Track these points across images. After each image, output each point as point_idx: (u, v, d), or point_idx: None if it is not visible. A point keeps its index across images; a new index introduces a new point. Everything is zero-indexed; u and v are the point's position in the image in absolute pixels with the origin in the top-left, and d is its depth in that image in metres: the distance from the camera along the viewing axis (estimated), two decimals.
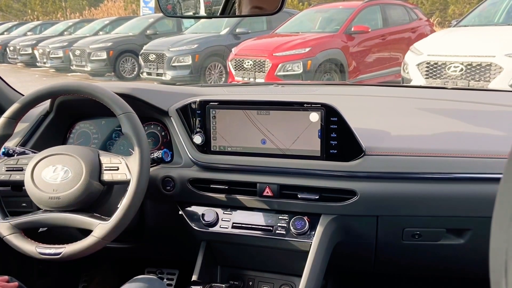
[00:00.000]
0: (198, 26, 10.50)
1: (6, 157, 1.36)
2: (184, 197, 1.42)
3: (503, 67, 4.91)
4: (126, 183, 1.24)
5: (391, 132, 1.39)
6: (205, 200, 1.39)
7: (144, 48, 9.83)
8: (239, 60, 7.51)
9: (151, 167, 1.40)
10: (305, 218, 1.30)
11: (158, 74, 9.31)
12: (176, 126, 1.45)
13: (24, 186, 1.27)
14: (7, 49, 14.93)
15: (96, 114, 1.62)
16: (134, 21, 12.75)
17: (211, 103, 1.37)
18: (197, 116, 1.39)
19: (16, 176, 1.29)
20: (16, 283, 1.27)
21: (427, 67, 5.48)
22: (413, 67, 5.65)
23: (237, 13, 1.40)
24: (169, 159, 1.43)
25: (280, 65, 7.07)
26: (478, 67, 5.07)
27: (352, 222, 1.32)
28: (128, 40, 11.36)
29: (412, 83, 5.53)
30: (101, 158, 1.28)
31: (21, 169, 1.29)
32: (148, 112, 1.51)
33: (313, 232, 1.29)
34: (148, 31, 11.51)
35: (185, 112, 1.42)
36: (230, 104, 1.36)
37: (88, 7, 26.80)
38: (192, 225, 1.39)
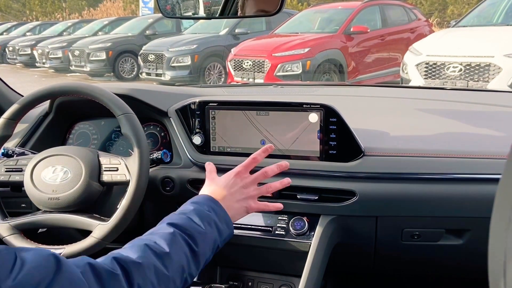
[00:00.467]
0: (198, 27, 10.50)
1: (5, 158, 1.36)
2: (184, 197, 1.41)
3: (502, 68, 4.92)
4: (125, 184, 1.24)
5: (390, 132, 1.39)
6: None
7: (143, 48, 9.84)
8: (238, 60, 7.51)
9: (151, 167, 1.40)
10: (305, 218, 1.30)
11: (157, 75, 9.32)
12: (175, 127, 1.45)
13: (23, 186, 1.27)
14: (6, 49, 14.94)
15: (96, 114, 1.62)
16: (133, 22, 12.75)
17: (210, 104, 1.37)
18: (197, 116, 1.39)
19: (15, 177, 1.29)
20: None
21: (426, 67, 5.49)
22: (412, 67, 5.66)
23: (236, 14, 1.40)
24: (168, 160, 1.43)
25: (279, 66, 7.08)
26: (477, 67, 5.08)
27: (351, 223, 1.32)
28: (127, 40, 11.36)
29: (411, 84, 5.54)
30: (100, 158, 1.28)
31: (21, 170, 1.29)
32: (148, 113, 1.51)
33: (313, 233, 1.29)
34: (147, 32, 11.52)
35: (185, 113, 1.42)
36: (229, 104, 1.36)
37: (87, 7, 26.79)
38: None
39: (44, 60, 12.85)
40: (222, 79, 9.14)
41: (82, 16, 24.75)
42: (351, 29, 7.67)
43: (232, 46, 8.32)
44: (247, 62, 7.35)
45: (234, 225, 1.34)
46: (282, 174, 1.32)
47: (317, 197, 1.29)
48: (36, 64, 13.40)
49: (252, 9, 1.40)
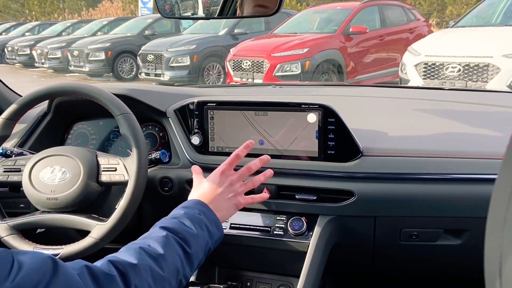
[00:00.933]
0: (197, 27, 10.50)
1: (4, 158, 1.36)
2: (182, 198, 1.41)
3: (500, 68, 4.92)
4: (124, 184, 1.24)
5: (388, 132, 1.39)
6: None
7: (142, 48, 9.84)
8: (237, 60, 7.51)
9: (149, 168, 1.40)
10: (303, 218, 1.30)
11: (156, 75, 9.31)
12: (174, 127, 1.45)
13: (22, 187, 1.27)
14: (5, 49, 14.92)
15: (94, 115, 1.62)
16: (132, 22, 12.75)
17: (209, 104, 1.37)
18: (195, 117, 1.39)
19: (14, 177, 1.29)
20: None
21: (425, 67, 5.49)
22: (411, 67, 5.66)
23: (235, 14, 1.40)
24: (167, 160, 1.43)
25: (278, 66, 7.08)
26: (476, 67, 5.08)
27: (349, 223, 1.32)
28: (127, 40, 11.36)
29: (410, 84, 5.54)
30: (99, 159, 1.28)
31: (19, 170, 1.29)
32: (146, 113, 1.51)
33: (311, 233, 1.29)
34: (146, 32, 11.52)
35: (183, 113, 1.42)
36: (228, 104, 1.36)
37: (86, 7, 26.78)
38: None
39: (43, 60, 12.85)
40: (221, 79, 9.15)
41: (81, 16, 24.74)
42: (350, 30, 7.67)
43: (231, 46, 8.32)
44: (246, 62, 7.36)
45: (232, 225, 1.35)
46: (281, 173, 1.32)
47: (315, 197, 1.29)
48: (35, 64, 13.39)
49: (250, 9, 1.40)
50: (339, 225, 1.31)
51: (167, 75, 9.06)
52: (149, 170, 1.36)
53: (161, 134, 1.56)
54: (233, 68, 7.57)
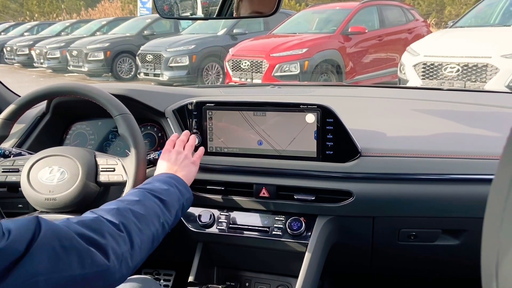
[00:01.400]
0: (196, 27, 10.49)
1: (2, 158, 1.35)
2: None
3: (499, 68, 4.92)
4: (122, 184, 1.24)
5: (387, 133, 1.39)
6: (201, 201, 1.39)
7: (141, 48, 9.82)
8: (236, 60, 7.51)
9: (148, 168, 1.40)
10: (302, 219, 1.30)
11: (155, 75, 9.30)
12: (172, 127, 1.45)
13: (20, 187, 1.26)
14: (4, 49, 14.89)
15: (93, 115, 1.62)
16: (131, 22, 12.73)
17: (207, 104, 1.37)
18: (194, 117, 1.39)
19: (12, 177, 1.29)
20: None
21: (423, 68, 5.50)
22: (410, 68, 5.66)
23: (234, 15, 1.40)
24: None
25: (277, 66, 7.07)
26: (475, 68, 5.09)
27: (348, 223, 1.32)
28: (126, 40, 11.34)
29: (408, 84, 5.54)
30: (97, 159, 1.28)
31: (17, 170, 1.29)
32: (145, 113, 1.51)
33: (310, 233, 1.29)
34: (145, 32, 11.50)
35: (182, 113, 1.42)
36: (226, 105, 1.36)
37: (85, 7, 26.76)
38: (189, 226, 1.39)
39: (42, 60, 12.83)
40: (220, 80, 9.14)
41: (80, 16, 24.72)
42: (349, 30, 7.67)
43: (230, 47, 8.31)
44: (245, 63, 7.35)
45: (231, 225, 1.35)
46: (279, 174, 1.32)
47: (314, 198, 1.29)
48: (34, 64, 13.37)
49: (249, 9, 1.40)
50: (337, 225, 1.31)
51: (166, 75, 9.05)
52: (147, 170, 1.36)
53: (159, 134, 1.56)
54: (232, 68, 7.56)
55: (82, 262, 0.75)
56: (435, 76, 5.38)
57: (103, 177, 1.26)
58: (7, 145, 1.51)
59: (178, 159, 1.24)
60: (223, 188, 1.38)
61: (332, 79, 7.42)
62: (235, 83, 7.22)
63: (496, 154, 1.25)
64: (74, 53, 11.36)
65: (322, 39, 7.60)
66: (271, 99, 1.53)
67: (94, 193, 1.27)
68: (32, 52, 13.47)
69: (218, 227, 1.37)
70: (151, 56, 9.35)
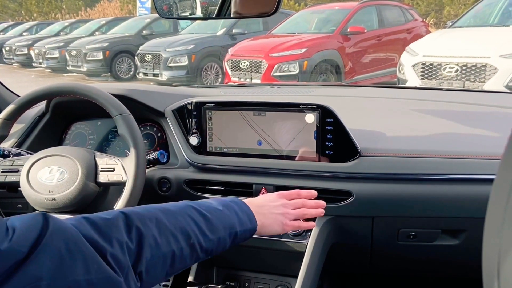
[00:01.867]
0: (195, 27, 10.49)
1: (1, 158, 1.35)
2: (180, 198, 1.41)
3: (498, 68, 4.93)
4: (122, 184, 1.24)
5: (386, 133, 1.39)
6: None
7: (140, 48, 9.82)
8: (235, 60, 7.51)
9: (147, 168, 1.40)
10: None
11: (154, 75, 9.30)
12: (172, 127, 1.45)
13: (19, 187, 1.26)
14: (3, 49, 14.88)
15: (92, 115, 1.62)
16: (130, 22, 12.73)
17: (207, 104, 1.37)
18: (193, 117, 1.39)
19: (11, 177, 1.29)
20: None
21: (422, 67, 5.50)
22: (409, 67, 5.67)
23: (233, 14, 1.40)
24: (165, 160, 1.43)
25: (276, 66, 7.08)
26: (473, 68, 5.09)
27: (347, 223, 1.32)
28: (125, 40, 11.34)
29: (407, 84, 5.55)
30: (97, 159, 1.28)
31: (17, 170, 1.29)
32: (144, 113, 1.51)
33: (309, 233, 1.29)
34: (144, 32, 11.50)
35: (181, 113, 1.42)
36: (226, 105, 1.36)
37: (84, 7, 26.74)
38: None
39: (41, 60, 12.82)
40: (219, 80, 9.14)
41: (79, 16, 24.70)
42: (348, 30, 7.68)
43: (229, 46, 8.32)
44: (244, 63, 7.35)
45: None
46: (279, 174, 1.32)
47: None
48: (33, 64, 13.36)
49: (248, 9, 1.40)
50: (337, 225, 1.31)
51: (165, 75, 9.05)
52: (147, 170, 1.36)
53: (159, 134, 1.56)
54: (231, 68, 7.56)
55: (88, 267, 0.70)
56: (434, 76, 5.39)
57: (103, 177, 1.26)
58: (7, 145, 1.50)
59: (275, 207, 1.08)
60: (222, 188, 1.38)
61: (331, 79, 7.43)
62: (234, 83, 7.23)
63: (495, 154, 1.25)
64: (73, 53, 11.36)
65: (321, 39, 7.60)
66: (271, 99, 1.53)
67: (94, 193, 1.26)
68: (31, 52, 13.46)
69: None
70: (150, 56, 9.35)
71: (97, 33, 13.21)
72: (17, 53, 14.14)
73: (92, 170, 1.26)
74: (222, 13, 1.39)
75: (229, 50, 7.98)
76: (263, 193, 1.33)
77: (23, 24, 18.64)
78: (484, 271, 0.36)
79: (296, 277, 1.25)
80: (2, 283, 0.61)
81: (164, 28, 12.04)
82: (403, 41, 8.10)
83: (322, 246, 1.29)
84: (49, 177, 1.24)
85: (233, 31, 9.67)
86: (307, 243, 1.27)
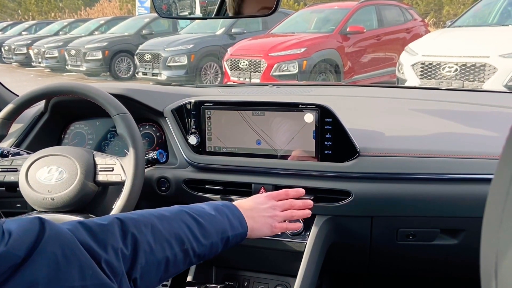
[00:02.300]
0: (194, 26, 10.49)
1: (0, 158, 1.35)
2: (179, 197, 1.42)
3: (497, 68, 4.94)
4: (121, 184, 1.24)
5: (385, 132, 1.40)
6: (200, 201, 1.38)
7: (139, 48, 9.82)
8: (234, 60, 7.51)
9: (146, 167, 1.40)
10: (300, 218, 1.30)
11: (153, 74, 9.30)
12: (171, 127, 1.45)
13: (18, 187, 1.26)
14: (2, 49, 14.87)
15: (91, 114, 1.61)
16: (129, 21, 12.72)
17: (206, 104, 1.37)
18: (192, 116, 1.39)
19: (10, 177, 1.29)
20: None
21: (421, 67, 5.51)
22: (408, 67, 5.67)
23: (232, 14, 1.40)
24: (164, 160, 1.43)
25: (275, 65, 7.08)
26: (473, 67, 5.10)
27: (346, 223, 1.32)
28: (124, 40, 11.34)
29: (407, 84, 5.55)
30: (96, 158, 1.28)
31: (16, 170, 1.29)
32: (143, 113, 1.51)
33: (308, 233, 1.29)
34: (143, 31, 11.49)
35: (180, 113, 1.42)
36: (225, 104, 1.36)
37: (83, 6, 26.72)
38: None
39: (40, 60, 12.81)
40: (219, 79, 9.14)
41: (78, 15, 24.68)
42: (347, 29, 7.68)
43: (229, 46, 8.31)
44: (244, 62, 7.35)
45: None
46: (277, 174, 1.32)
47: (312, 197, 1.29)
48: (32, 63, 13.35)
49: (248, 9, 1.40)
50: (336, 225, 1.32)
51: (164, 75, 9.05)
52: (146, 170, 1.36)
53: (158, 134, 1.55)
54: (231, 68, 7.56)
55: (83, 273, 0.70)
56: (433, 75, 5.39)
57: (102, 177, 1.26)
58: (5, 144, 1.50)
59: (264, 210, 1.10)
60: (221, 188, 1.38)
61: (331, 78, 7.43)
62: (233, 82, 7.23)
63: (494, 154, 1.25)
64: (72, 52, 11.35)
65: (320, 39, 7.61)
66: (270, 98, 1.53)
67: (93, 192, 1.26)
68: (30, 52, 13.45)
69: None
70: (150, 56, 9.35)
71: (96, 32, 13.20)
72: (16, 52, 14.13)
73: (91, 170, 1.26)
74: (221, 12, 1.39)
75: (228, 49, 7.98)
76: (262, 193, 1.33)
77: (22, 23, 18.63)
78: (482, 270, 0.37)
79: (295, 276, 1.25)
80: None
81: (164, 28, 12.03)
82: (402, 40, 8.11)
83: (321, 245, 1.29)
84: (48, 177, 1.24)
85: (232, 30, 9.67)
86: (306, 243, 1.27)
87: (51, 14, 26.54)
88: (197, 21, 9.93)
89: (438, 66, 5.36)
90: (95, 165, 1.27)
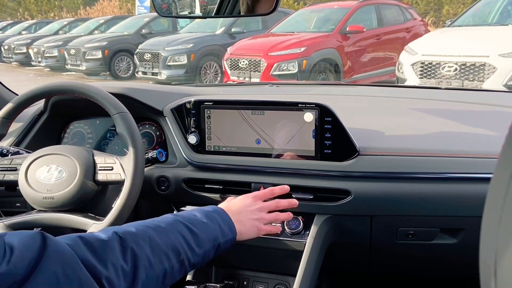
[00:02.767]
0: (194, 26, 10.49)
1: (0, 157, 1.35)
2: (179, 197, 1.42)
3: (496, 67, 4.94)
4: (120, 183, 1.24)
5: (385, 132, 1.40)
6: (200, 200, 1.39)
7: (139, 47, 9.81)
8: (234, 59, 7.51)
9: (146, 167, 1.40)
10: (300, 218, 1.30)
11: (153, 74, 9.30)
12: (170, 126, 1.44)
13: (18, 186, 1.26)
14: (2, 48, 14.86)
15: (91, 114, 1.61)
16: (129, 20, 12.72)
17: (205, 103, 1.37)
18: (192, 116, 1.39)
19: (10, 176, 1.29)
20: None
21: (421, 67, 5.51)
22: (408, 67, 5.67)
23: (232, 13, 1.40)
24: (163, 159, 1.43)
25: (275, 65, 7.08)
26: (472, 67, 5.10)
27: (346, 222, 1.32)
28: (123, 39, 11.33)
29: (406, 83, 5.55)
30: (95, 158, 1.28)
31: (15, 169, 1.29)
32: (143, 112, 1.51)
33: (308, 232, 1.29)
34: (143, 30, 11.49)
35: (180, 112, 1.42)
36: (224, 104, 1.36)
37: (83, 6, 26.70)
38: None
39: (39, 59, 12.80)
40: (218, 78, 9.14)
41: (78, 15, 24.67)
42: (347, 29, 7.67)
43: (228, 45, 8.31)
44: (243, 61, 7.35)
45: None
46: (277, 173, 1.32)
47: (312, 197, 1.29)
48: (32, 63, 13.34)
49: (247, 8, 1.39)
50: (335, 224, 1.32)
51: (164, 74, 9.05)
52: (145, 169, 1.36)
53: (157, 133, 1.55)
54: (230, 67, 7.56)
55: None
56: (433, 75, 5.39)
57: (101, 176, 1.26)
58: (5, 143, 1.50)
59: (251, 213, 1.13)
60: (221, 187, 1.38)
61: (330, 78, 7.43)
62: (233, 82, 7.23)
63: (494, 153, 1.25)
64: (72, 51, 11.35)
65: (320, 38, 7.60)
66: (270, 98, 1.53)
67: (92, 192, 1.26)
68: (30, 51, 13.44)
69: None
70: (149, 55, 9.34)
71: (96, 32, 13.19)
72: (16, 51, 14.12)
73: (91, 169, 1.26)
74: (221, 11, 1.39)
75: (228, 49, 7.98)
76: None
77: (22, 22, 18.61)
78: (481, 269, 0.37)
79: (295, 276, 1.25)
80: None
81: (163, 27, 12.03)
82: (402, 40, 8.10)
83: (321, 245, 1.29)
84: (47, 176, 1.24)
85: (232, 30, 9.67)
86: (306, 242, 1.27)
87: (51, 14, 26.52)
88: (197, 20, 9.94)
89: (437, 66, 5.36)
90: (94, 164, 1.27)
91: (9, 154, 1.37)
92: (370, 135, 1.37)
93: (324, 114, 1.26)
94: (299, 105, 1.27)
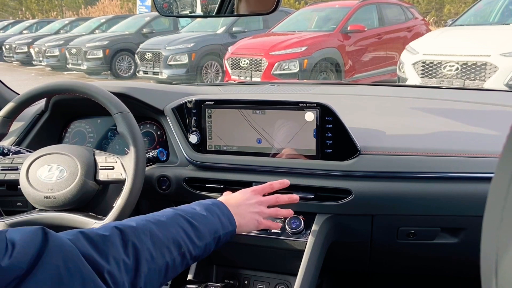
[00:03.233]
0: (195, 25, 10.49)
1: (1, 156, 1.35)
2: (180, 196, 1.42)
3: (498, 67, 4.93)
4: (121, 183, 1.24)
5: (386, 131, 1.39)
6: (200, 200, 1.39)
7: (140, 46, 9.82)
8: (235, 59, 7.51)
9: (147, 166, 1.40)
10: (300, 217, 1.30)
11: (154, 73, 9.30)
12: (171, 125, 1.45)
13: (19, 185, 1.26)
14: (3, 47, 14.86)
15: (92, 113, 1.61)
16: (130, 20, 12.72)
17: (206, 103, 1.37)
18: (193, 115, 1.39)
19: (11, 176, 1.29)
20: None
21: (422, 66, 5.50)
22: (409, 66, 5.67)
23: (233, 13, 1.40)
24: (164, 159, 1.43)
25: (276, 64, 7.08)
26: (474, 66, 5.09)
27: (347, 221, 1.32)
28: (125, 38, 11.33)
29: (407, 82, 5.55)
30: (96, 157, 1.28)
31: (16, 169, 1.29)
32: (144, 111, 1.51)
33: (308, 231, 1.29)
34: (144, 30, 11.49)
35: (181, 112, 1.42)
36: (225, 103, 1.36)
37: (84, 5, 26.71)
38: None
39: (41, 58, 12.81)
40: (219, 78, 9.14)
41: (79, 14, 24.68)
42: (348, 28, 7.67)
43: (229, 45, 8.31)
44: (244, 61, 7.35)
45: None
46: (278, 172, 1.32)
47: (313, 196, 1.29)
48: (33, 62, 13.35)
49: (248, 7, 1.39)
50: (336, 224, 1.32)
51: (165, 73, 9.05)
52: (146, 168, 1.36)
53: (158, 133, 1.55)
54: (231, 67, 7.56)
55: (85, 286, 0.70)
56: (434, 74, 5.39)
57: (102, 175, 1.26)
58: (6, 143, 1.50)
59: (251, 206, 1.12)
60: (222, 187, 1.38)
61: (331, 77, 7.43)
62: (234, 81, 7.23)
63: (495, 153, 1.25)
64: (73, 51, 11.35)
65: (321, 37, 7.60)
66: (271, 97, 1.53)
67: (93, 191, 1.26)
68: (31, 50, 13.45)
69: None
70: (150, 54, 9.35)
71: (97, 31, 13.19)
72: (17, 51, 14.13)
73: (92, 168, 1.26)
74: (222, 11, 1.39)
75: (229, 48, 7.98)
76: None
77: (23, 22, 18.62)
78: (482, 269, 0.36)
79: (296, 275, 1.25)
80: None
81: (164, 26, 12.03)
82: (403, 39, 8.10)
83: (322, 244, 1.29)
84: (48, 175, 1.24)
85: (233, 29, 9.67)
86: (307, 241, 1.27)
87: (52, 13, 26.54)
88: (198, 19, 9.94)
89: (439, 65, 5.36)
90: (95, 163, 1.27)
91: (10, 154, 1.37)
92: (371, 134, 1.37)
93: (325, 114, 1.26)
94: (300, 104, 1.27)
